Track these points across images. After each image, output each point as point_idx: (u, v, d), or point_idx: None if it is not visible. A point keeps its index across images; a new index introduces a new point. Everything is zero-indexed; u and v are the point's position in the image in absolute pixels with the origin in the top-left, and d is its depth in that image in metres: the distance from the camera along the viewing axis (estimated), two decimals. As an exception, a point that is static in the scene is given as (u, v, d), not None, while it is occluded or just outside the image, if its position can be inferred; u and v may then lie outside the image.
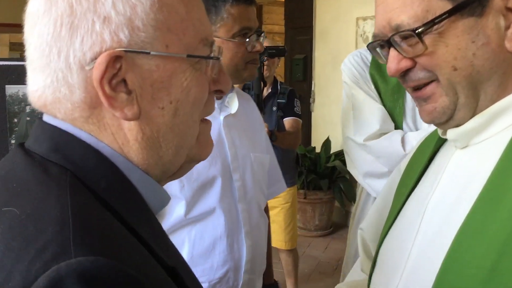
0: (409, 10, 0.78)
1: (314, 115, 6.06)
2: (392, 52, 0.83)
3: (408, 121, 1.77)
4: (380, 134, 1.80)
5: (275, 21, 7.77)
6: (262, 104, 3.06)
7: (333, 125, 5.32)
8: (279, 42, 8.11)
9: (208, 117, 1.57)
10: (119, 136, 0.65)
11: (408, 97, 1.75)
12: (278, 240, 3.58)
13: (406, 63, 0.82)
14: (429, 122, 0.85)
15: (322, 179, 5.13)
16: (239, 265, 1.51)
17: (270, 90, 3.54)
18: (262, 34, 1.50)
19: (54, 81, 0.63)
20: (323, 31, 5.81)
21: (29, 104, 1.63)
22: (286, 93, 3.55)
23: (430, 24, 0.76)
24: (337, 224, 5.50)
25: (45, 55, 0.63)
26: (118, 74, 0.62)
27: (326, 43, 5.80)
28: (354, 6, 5.16)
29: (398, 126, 1.77)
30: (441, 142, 0.94)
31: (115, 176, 0.64)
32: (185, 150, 0.71)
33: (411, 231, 0.90)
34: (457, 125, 0.84)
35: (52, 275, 0.48)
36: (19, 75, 1.61)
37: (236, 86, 2.66)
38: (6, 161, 0.67)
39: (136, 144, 0.66)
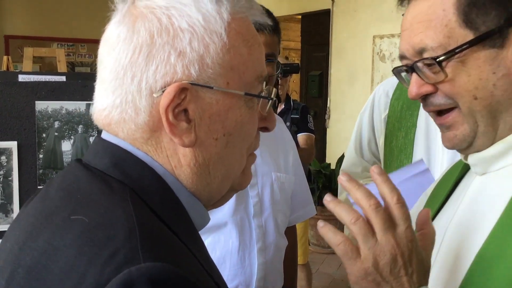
0: (432, 35, 0.80)
1: (329, 131, 6.07)
2: (414, 77, 0.85)
3: (418, 150, 1.78)
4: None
5: (291, 38, 7.83)
6: None
7: (348, 141, 5.31)
8: (295, 58, 8.16)
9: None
10: (173, 159, 0.70)
11: (420, 127, 1.77)
12: None
13: (427, 88, 0.84)
14: (450, 148, 0.88)
15: (337, 195, 5.12)
16: (249, 281, 1.52)
17: (283, 107, 3.65)
18: (273, 61, 1.52)
19: (123, 103, 0.68)
20: (340, 48, 5.85)
21: (58, 120, 1.68)
22: (299, 109, 3.66)
23: (451, 54, 0.79)
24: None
25: (119, 77, 0.68)
26: (181, 104, 0.67)
27: (342, 60, 5.83)
28: (371, 25, 5.19)
29: (408, 155, 1.79)
30: (466, 169, 0.96)
31: (167, 194, 0.70)
32: (230, 180, 0.76)
33: (432, 254, 0.91)
34: (477, 151, 0.86)
35: (124, 277, 0.53)
36: (48, 91, 1.66)
37: None
38: (67, 174, 0.73)
39: (188, 169, 0.71)
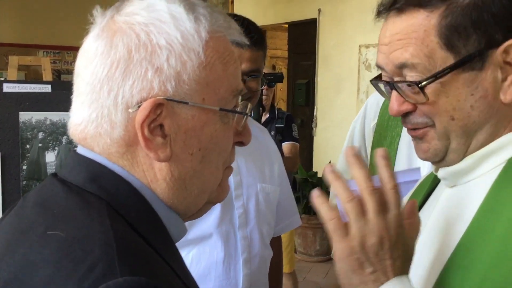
0: (412, 52, 0.81)
1: (316, 140, 6.11)
2: (395, 94, 0.86)
3: (401, 158, 1.80)
4: None
5: (278, 46, 7.87)
6: None
7: (335, 149, 5.35)
8: (282, 66, 8.19)
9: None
10: (149, 174, 0.71)
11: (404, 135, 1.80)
12: None
13: (407, 107, 0.85)
14: (423, 159, 0.89)
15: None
16: None
17: (268, 116, 3.67)
18: (245, 78, 1.52)
19: (99, 117, 0.69)
20: (326, 57, 5.90)
21: (42, 131, 1.67)
22: (284, 118, 3.68)
23: (432, 78, 0.79)
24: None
25: (96, 91, 0.68)
26: (157, 119, 0.68)
27: (329, 69, 5.88)
28: (357, 34, 5.24)
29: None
30: (437, 181, 0.98)
31: (144, 207, 0.70)
32: (207, 194, 0.77)
33: None
34: (449, 165, 0.87)
35: None
36: (32, 102, 1.65)
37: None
38: (43, 189, 0.73)
39: (164, 183, 0.71)
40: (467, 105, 0.80)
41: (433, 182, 0.99)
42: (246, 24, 1.55)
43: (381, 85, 0.91)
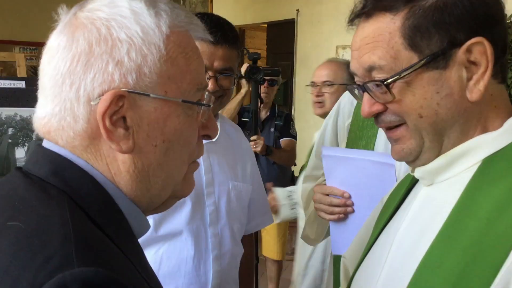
0: (379, 54, 0.83)
1: (293, 139, 6.13)
2: (366, 96, 0.89)
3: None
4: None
5: (257, 46, 7.88)
6: (258, 120, 3.41)
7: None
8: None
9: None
10: (112, 167, 0.72)
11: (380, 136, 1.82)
12: (270, 251, 3.96)
13: (377, 107, 0.88)
14: (398, 160, 0.92)
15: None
16: None
17: (268, 114, 3.89)
18: (218, 76, 1.53)
19: (62, 110, 0.70)
20: (304, 57, 5.93)
21: (12, 126, 1.65)
22: (283, 116, 3.93)
23: (397, 77, 0.82)
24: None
25: (58, 85, 0.70)
26: (119, 111, 0.69)
27: (307, 69, 5.91)
28: (334, 35, 5.29)
29: None
30: (415, 180, 1.00)
31: (106, 201, 0.71)
32: (171, 186, 0.78)
33: (379, 264, 0.95)
34: (423, 164, 0.90)
35: (57, 282, 0.54)
36: (2, 98, 1.64)
37: (229, 115, 2.71)
38: (5, 182, 0.73)
39: (128, 175, 0.72)
40: (434, 102, 0.82)
41: (411, 182, 1.01)
42: (221, 23, 1.57)
43: (355, 90, 0.94)
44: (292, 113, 6.13)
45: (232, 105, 3.69)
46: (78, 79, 0.69)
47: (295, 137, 3.90)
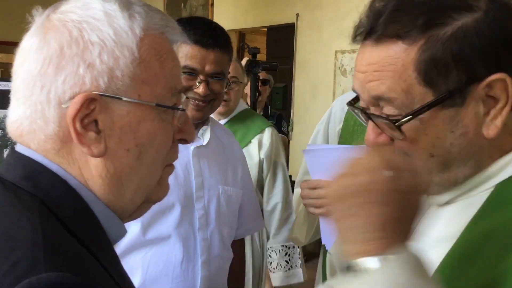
0: (389, 85, 0.76)
1: (292, 144, 6.12)
2: (371, 124, 0.82)
3: None
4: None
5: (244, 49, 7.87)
6: (256, 110, 3.52)
7: (310, 154, 5.38)
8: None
9: (179, 147, 1.59)
10: (85, 171, 0.71)
11: None
12: None
13: (384, 139, 0.81)
14: None
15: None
16: None
17: (261, 113, 4.11)
18: (209, 80, 1.53)
19: (33, 113, 0.69)
20: (303, 62, 5.93)
21: (1, 128, 1.65)
22: (275, 116, 4.23)
23: (410, 117, 0.75)
24: (312, 252, 5.50)
25: (29, 87, 0.69)
26: (91, 114, 0.69)
27: (306, 73, 5.91)
28: (333, 39, 5.29)
29: None
30: None
31: (79, 206, 0.70)
32: (144, 191, 0.77)
33: None
34: (434, 194, 0.84)
35: (24, 287, 0.54)
36: (-8, 100, 1.63)
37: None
38: None
39: (100, 180, 0.72)
40: (447, 142, 0.76)
41: None
42: (212, 27, 1.57)
43: (359, 113, 0.87)
44: (291, 117, 6.13)
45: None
46: (49, 82, 0.68)
47: (286, 134, 4.16)
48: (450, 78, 0.73)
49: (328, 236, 1.64)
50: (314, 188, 1.61)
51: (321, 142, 2.03)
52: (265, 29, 6.99)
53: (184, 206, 1.53)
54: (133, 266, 1.47)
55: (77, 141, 0.68)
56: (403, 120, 0.75)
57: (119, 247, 1.45)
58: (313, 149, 1.66)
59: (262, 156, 2.48)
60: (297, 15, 5.89)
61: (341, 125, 1.97)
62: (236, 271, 1.83)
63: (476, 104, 0.75)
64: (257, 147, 2.49)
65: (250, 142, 2.48)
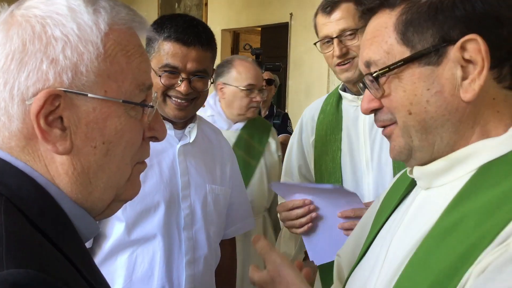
0: (375, 49, 0.85)
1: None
2: (366, 92, 0.89)
3: (347, 172, 1.80)
4: None
5: (245, 49, 7.87)
6: (260, 110, 3.67)
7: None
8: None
9: (165, 145, 1.57)
10: (51, 168, 0.70)
11: (344, 150, 1.81)
12: None
13: (374, 104, 0.87)
14: (393, 159, 0.91)
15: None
16: None
17: (267, 113, 4.24)
18: (191, 78, 1.52)
19: None
20: (297, 61, 5.93)
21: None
22: (281, 116, 4.34)
23: (386, 69, 0.82)
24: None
25: None
26: (55, 111, 0.68)
27: (300, 73, 5.91)
28: (327, 39, 5.28)
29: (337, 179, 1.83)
30: (415, 182, 0.97)
31: (47, 203, 0.69)
32: (113, 189, 0.76)
33: (377, 266, 0.93)
34: (419, 164, 0.88)
35: None
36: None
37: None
38: None
39: (67, 177, 0.71)
40: (423, 99, 0.81)
41: (410, 184, 0.99)
42: (194, 24, 1.55)
43: (361, 86, 0.93)
44: (285, 117, 6.13)
45: None
46: (12, 78, 0.67)
47: (291, 133, 4.05)
48: (425, 38, 0.80)
49: (315, 252, 1.65)
50: (291, 209, 1.62)
51: (297, 155, 2.02)
52: (259, 29, 6.99)
53: (169, 205, 1.52)
54: (119, 266, 1.46)
55: (42, 138, 0.68)
56: (380, 71, 0.83)
57: (104, 248, 1.46)
58: (281, 184, 1.81)
59: (279, 153, 2.61)
60: (291, 14, 5.89)
61: (313, 136, 1.96)
62: (226, 271, 1.83)
63: (453, 66, 0.79)
64: (275, 145, 2.61)
65: (268, 142, 2.57)
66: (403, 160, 0.90)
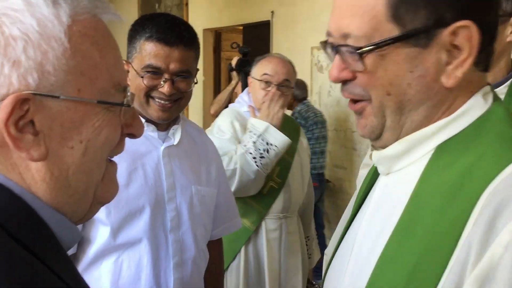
0: (358, 23, 0.78)
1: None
2: (337, 59, 0.83)
3: None
4: None
5: (233, 48, 7.85)
6: None
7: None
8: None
9: (148, 147, 1.55)
10: (27, 176, 0.66)
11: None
12: None
13: (346, 74, 0.83)
14: (362, 136, 0.88)
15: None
16: None
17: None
18: (174, 78, 1.49)
19: None
20: (280, 59, 5.91)
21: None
22: None
23: (372, 47, 0.77)
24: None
25: None
26: (25, 116, 0.63)
27: (283, 71, 5.89)
28: (309, 36, 5.28)
29: None
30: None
31: (25, 214, 0.65)
32: (92, 189, 0.73)
33: (345, 259, 0.92)
34: (383, 146, 0.86)
35: None
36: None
37: (220, 105, 2.85)
38: None
39: (44, 184, 0.67)
40: (404, 82, 0.78)
41: (375, 172, 0.97)
42: (176, 23, 1.53)
43: (328, 49, 0.88)
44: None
45: (222, 96, 4.03)
46: None
47: None
48: (417, 17, 0.75)
49: None
50: None
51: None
52: (241, 28, 6.96)
53: (155, 208, 1.49)
54: (104, 272, 1.44)
55: (14, 146, 0.63)
56: (365, 48, 0.77)
57: (88, 254, 1.43)
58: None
59: (308, 152, 2.66)
60: (272, 12, 5.87)
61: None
62: (214, 273, 1.81)
63: (440, 51, 0.76)
64: (306, 144, 2.62)
65: (299, 140, 2.56)
66: (372, 139, 0.87)
